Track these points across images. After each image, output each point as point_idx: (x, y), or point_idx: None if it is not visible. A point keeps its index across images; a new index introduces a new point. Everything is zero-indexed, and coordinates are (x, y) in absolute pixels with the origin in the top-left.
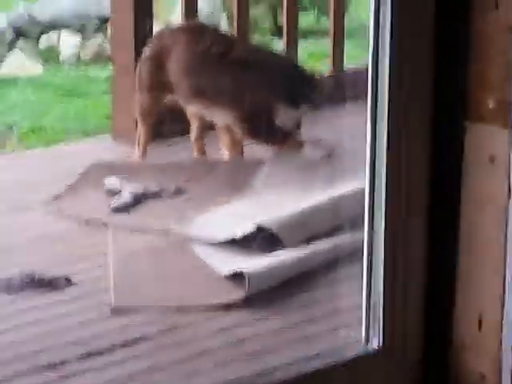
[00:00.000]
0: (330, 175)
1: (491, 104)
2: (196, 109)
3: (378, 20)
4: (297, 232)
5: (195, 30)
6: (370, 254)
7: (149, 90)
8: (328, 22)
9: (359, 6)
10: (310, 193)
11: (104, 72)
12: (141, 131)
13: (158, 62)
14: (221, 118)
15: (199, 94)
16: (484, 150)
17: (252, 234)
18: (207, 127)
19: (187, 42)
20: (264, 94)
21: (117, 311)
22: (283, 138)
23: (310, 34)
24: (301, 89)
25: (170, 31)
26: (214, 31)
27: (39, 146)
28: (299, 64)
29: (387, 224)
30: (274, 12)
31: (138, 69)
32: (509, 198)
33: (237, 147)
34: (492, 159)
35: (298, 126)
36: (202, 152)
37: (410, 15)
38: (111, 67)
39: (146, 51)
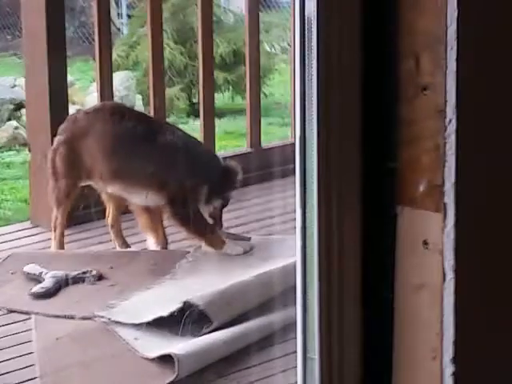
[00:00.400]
0: (252, 264)
1: (422, 188)
2: (116, 190)
3: (304, 100)
4: (224, 308)
5: (112, 110)
6: (304, 345)
7: (63, 176)
8: (242, 101)
9: (273, 85)
10: (233, 279)
11: (19, 157)
12: (57, 217)
13: (73, 146)
14: (143, 199)
15: (119, 175)
16: (417, 235)
17: (179, 312)
18: (123, 211)
19: (104, 123)
20: (189, 177)
21: None
22: (206, 232)
23: (225, 112)
24: (220, 181)
25: (83, 114)
26: (132, 111)
27: None
28: (216, 154)
29: (321, 315)
30: (189, 91)
31: (51, 154)
32: (443, 282)
33: (158, 231)
34: (425, 243)
35: (219, 218)
36: (121, 237)
37: (336, 97)
38: (27, 152)
39: (59, 136)
